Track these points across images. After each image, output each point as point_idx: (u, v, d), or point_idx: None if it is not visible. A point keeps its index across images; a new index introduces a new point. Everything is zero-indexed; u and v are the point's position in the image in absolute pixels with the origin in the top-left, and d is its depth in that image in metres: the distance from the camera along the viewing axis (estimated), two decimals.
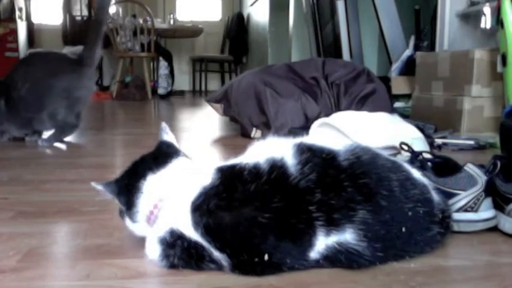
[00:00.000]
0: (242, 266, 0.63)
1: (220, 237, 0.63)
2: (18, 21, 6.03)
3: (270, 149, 0.69)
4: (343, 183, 0.65)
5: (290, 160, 0.66)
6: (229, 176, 0.67)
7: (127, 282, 0.64)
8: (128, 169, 0.72)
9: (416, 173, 0.73)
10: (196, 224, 0.63)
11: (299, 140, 0.71)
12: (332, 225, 0.63)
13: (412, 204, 0.67)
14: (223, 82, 6.72)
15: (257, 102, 1.97)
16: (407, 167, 0.73)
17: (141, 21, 4.92)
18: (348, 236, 0.63)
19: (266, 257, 0.62)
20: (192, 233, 0.64)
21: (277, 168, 0.65)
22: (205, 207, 0.64)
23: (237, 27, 6.56)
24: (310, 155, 0.67)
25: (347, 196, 0.64)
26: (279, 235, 0.62)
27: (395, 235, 0.66)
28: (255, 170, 0.66)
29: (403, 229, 0.66)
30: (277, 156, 0.67)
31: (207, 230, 0.63)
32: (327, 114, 1.57)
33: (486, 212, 0.79)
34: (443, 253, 0.72)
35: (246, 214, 0.62)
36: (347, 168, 0.66)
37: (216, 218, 0.63)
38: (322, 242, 0.63)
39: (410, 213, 0.67)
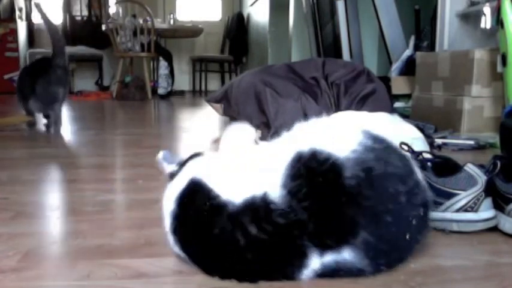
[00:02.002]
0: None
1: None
2: (18, 21, 6.03)
3: (256, 173, 0.62)
4: (345, 210, 0.58)
5: (277, 191, 0.59)
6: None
7: (127, 282, 0.64)
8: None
9: (419, 172, 0.68)
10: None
11: (300, 143, 0.62)
12: (327, 248, 0.59)
13: (416, 212, 0.63)
14: (223, 82, 6.71)
15: (257, 102, 1.97)
16: (415, 167, 0.66)
17: (141, 21, 4.92)
18: (346, 255, 0.59)
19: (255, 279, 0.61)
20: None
21: (258, 210, 0.59)
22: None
23: (237, 27, 6.56)
24: (306, 175, 0.59)
25: (348, 222, 0.58)
26: (265, 264, 0.60)
27: (400, 246, 0.63)
28: (232, 214, 0.60)
29: (407, 236, 0.62)
30: (258, 194, 0.59)
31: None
32: (327, 114, 1.57)
33: (486, 212, 0.79)
34: (443, 253, 0.72)
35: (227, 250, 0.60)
36: (352, 189, 0.58)
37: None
38: (317, 262, 0.59)
39: (414, 221, 0.63)
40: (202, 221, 0.62)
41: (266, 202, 0.59)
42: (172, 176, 0.70)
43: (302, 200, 0.58)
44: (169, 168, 0.73)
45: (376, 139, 0.64)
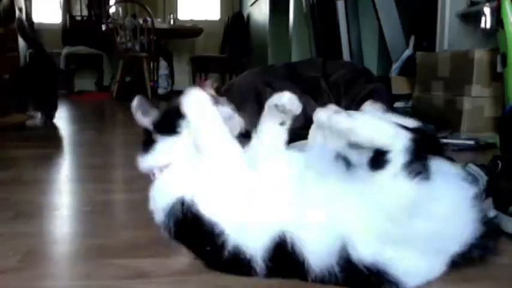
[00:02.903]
0: None
1: None
2: None
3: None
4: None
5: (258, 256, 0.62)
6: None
7: (127, 282, 0.64)
8: None
9: None
10: None
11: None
12: None
13: None
14: (223, 82, 6.71)
15: (257, 103, 1.97)
16: None
17: (141, 21, 4.92)
18: None
19: None
20: None
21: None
22: None
23: (237, 27, 6.56)
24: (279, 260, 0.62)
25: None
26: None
27: None
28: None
29: None
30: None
31: None
32: None
33: None
34: None
35: None
36: None
37: None
38: None
39: None
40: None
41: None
42: (147, 135, 0.70)
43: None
44: (144, 120, 0.70)
45: None
